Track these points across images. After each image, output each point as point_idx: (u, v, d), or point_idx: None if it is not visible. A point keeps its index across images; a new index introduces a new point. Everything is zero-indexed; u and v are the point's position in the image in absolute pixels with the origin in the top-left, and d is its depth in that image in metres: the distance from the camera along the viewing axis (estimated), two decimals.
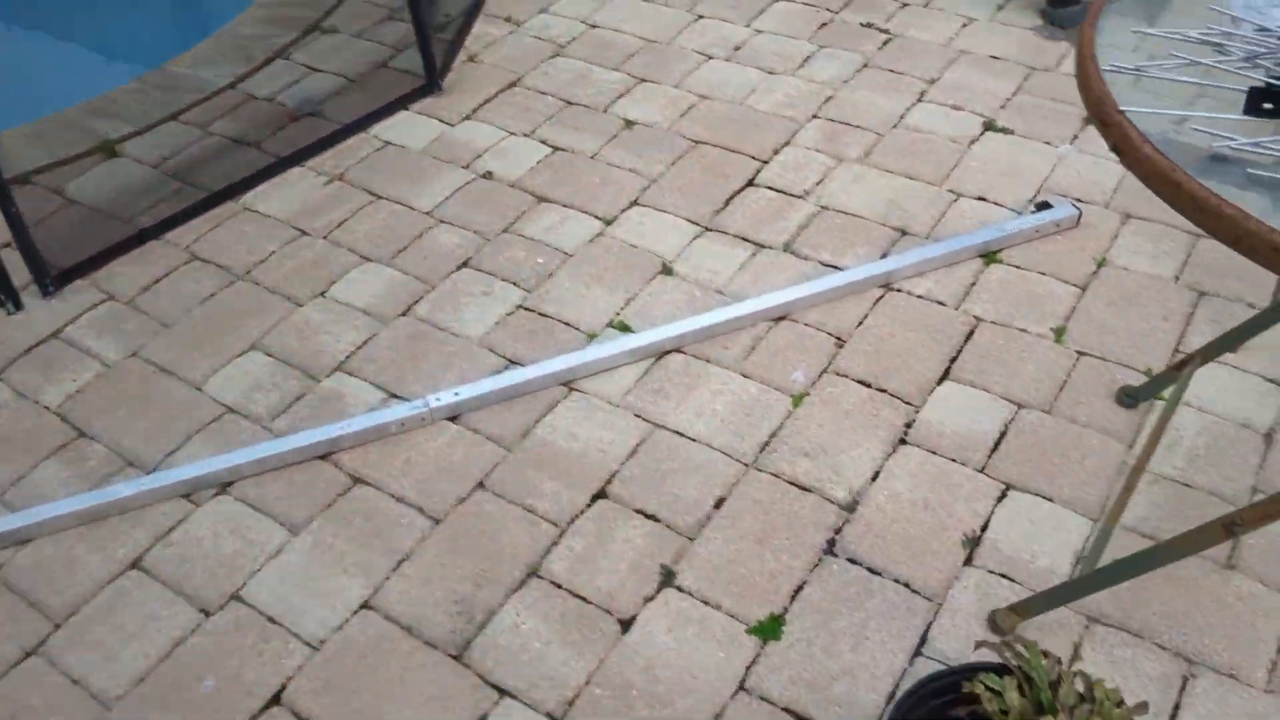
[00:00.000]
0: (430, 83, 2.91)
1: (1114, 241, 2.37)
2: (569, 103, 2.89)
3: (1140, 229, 2.40)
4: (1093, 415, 1.99)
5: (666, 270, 2.35)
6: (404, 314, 2.26)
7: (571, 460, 1.94)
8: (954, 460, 1.92)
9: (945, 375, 2.08)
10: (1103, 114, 1.12)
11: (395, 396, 2.07)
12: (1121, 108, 1.11)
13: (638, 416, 2.02)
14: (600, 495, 1.88)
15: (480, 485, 1.90)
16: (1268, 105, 1.07)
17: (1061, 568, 1.74)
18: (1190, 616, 1.66)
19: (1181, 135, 1.11)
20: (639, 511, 1.85)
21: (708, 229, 2.45)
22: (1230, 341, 1.84)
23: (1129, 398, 2.01)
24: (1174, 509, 1.82)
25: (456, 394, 2.01)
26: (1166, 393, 1.99)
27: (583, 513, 1.85)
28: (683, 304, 2.26)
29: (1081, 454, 1.92)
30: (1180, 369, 1.90)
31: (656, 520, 1.83)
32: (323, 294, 2.32)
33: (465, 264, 2.38)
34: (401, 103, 2.86)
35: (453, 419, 2.02)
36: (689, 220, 2.48)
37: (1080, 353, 2.12)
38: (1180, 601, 1.68)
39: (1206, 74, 1.17)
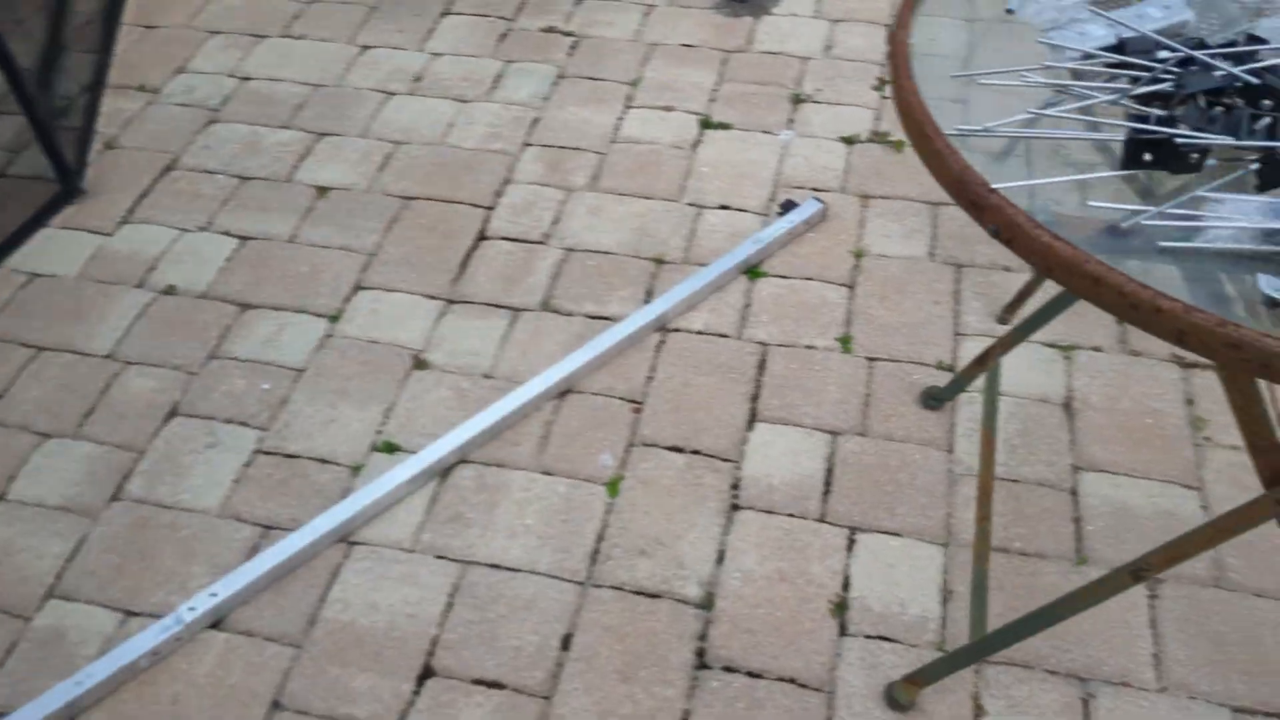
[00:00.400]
0: (67, 186, 2.40)
1: (863, 228, 2.31)
2: (243, 178, 2.47)
3: (883, 209, 2.36)
4: (906, 428, 1.91)
5: (420, 363, 2.05)
6: (115, 499, 1.83)
7: (379, 639, 1.62)
8: (792, 515, 1.78)
9: (753, 418, 1.93)
10: (972, 196, 0.97)
11: (134, 614, 1.66)
12: (994, 185, 0.96)
13: (441, 558, 1.73)
14: (427, 674, 1.59)
15: (277, 705, 1.56)
16: (1148, 156, 0.95)
17: (933, 610, 1.65)
18: (1067, 630, 1.61)
19: (1064, 206, 0.97)
20: (478, 682, 1.58)
21: (451, 301, 2.17)
22: (1028, 329, 1.80)
23: (934, 400, 1.95)
24: (1013, 510, 1.77)
25: (213, 594, 1.63)
26: (975, 388, 1.95)
27: (412, 704, 1.55)
28: (451, 401, 1.97)
29: (910, 474, 1.84)
30: (982, 364, 1.85)
31: (502, 687, 1.57)
32: (3, 497, 1.83)
33: (174, 413, 1.97)
34: (38, 219, 2.34)
35: (216, 625, 1.64)
36: (427, 295, 2.18)
37: (871, 359, 2.04)
38: None
39: (1057, 120, 1.05)
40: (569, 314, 2.13)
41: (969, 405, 1.95)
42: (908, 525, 1.76)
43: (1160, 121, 0.97)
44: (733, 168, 2.48)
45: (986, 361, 1.83)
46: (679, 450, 1.88)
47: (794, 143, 2.55)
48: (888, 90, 2.68)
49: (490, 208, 2.38)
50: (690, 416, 1.93)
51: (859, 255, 2.25)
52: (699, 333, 2.09)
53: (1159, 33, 1.10)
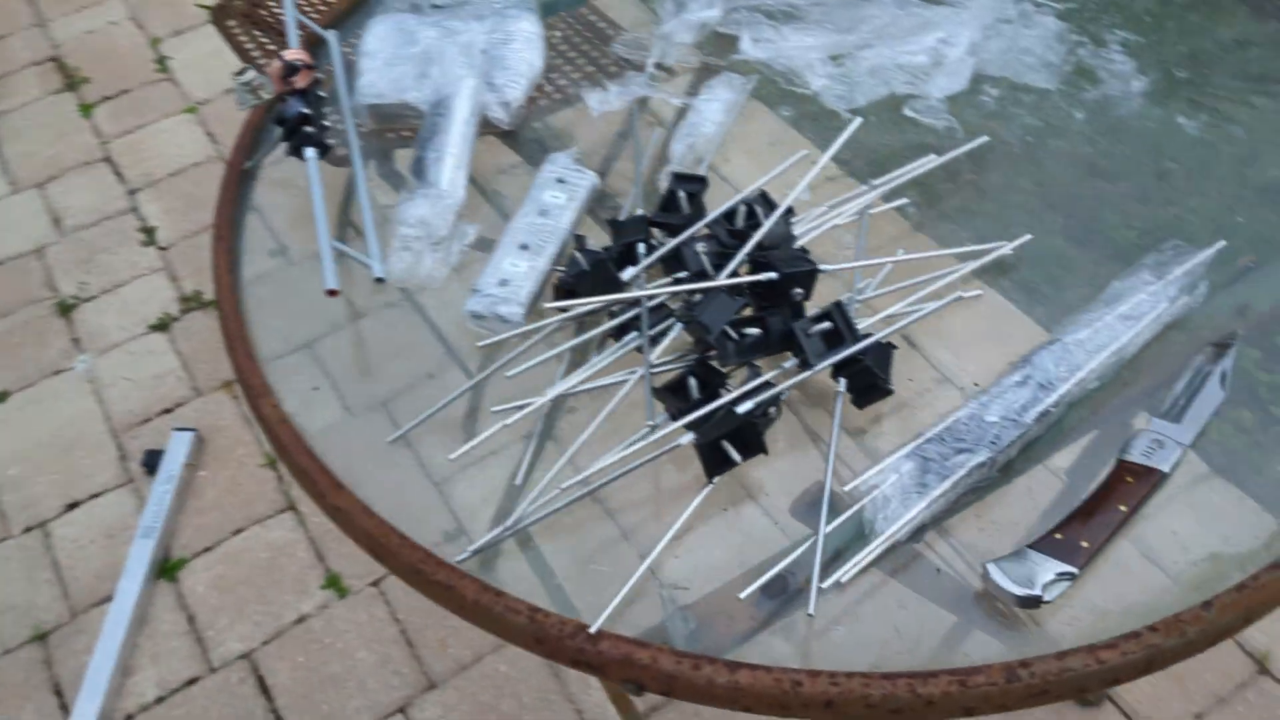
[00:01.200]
0: None
1: (255, 427, 1.84)
2: None
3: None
4: (483, 640, 1.56)
5: None
6: None
7: None
8: None
9: None
10: (574, 656, 0.62)
11: None
12: (592, 628, 0.61)
13: None
14: None
15: None
16: (736, 455, 0.66)
17: None
18: None
19: (681, 591, 0.66)
20: None
21: None
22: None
23: None
24: None
25: None
26: None
27: None
28: None
29: (535, 713, 1.50)
30: None
31: None
32: None
33: None
34: None
35: None
36: None
37: (375, 584, 1.64)
38: None
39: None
40: None
41: None
42: None
43: (704, 390, 0.68)
44: (45, 447, 1.83)
45: None
46: None
47: (98, 367, 1.95)
48: (161, 237, 2.16)
49: None
50: None
51: (273, 463, 1.79)
52: (160, 700, 1.53)
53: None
